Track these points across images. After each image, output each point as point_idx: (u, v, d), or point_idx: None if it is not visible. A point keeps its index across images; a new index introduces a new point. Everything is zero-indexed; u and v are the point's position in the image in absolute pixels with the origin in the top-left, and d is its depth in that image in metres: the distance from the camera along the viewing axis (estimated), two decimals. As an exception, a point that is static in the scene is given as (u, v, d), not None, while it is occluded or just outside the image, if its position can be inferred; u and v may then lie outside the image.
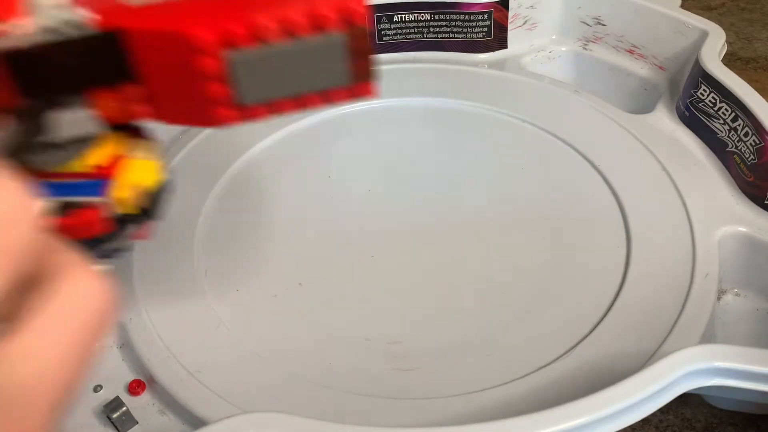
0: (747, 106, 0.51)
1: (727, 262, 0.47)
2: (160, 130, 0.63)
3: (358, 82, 0.30)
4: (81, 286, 0.17)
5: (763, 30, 0.79)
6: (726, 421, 0.42)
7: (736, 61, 0.74)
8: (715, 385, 0.34)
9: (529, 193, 0.55)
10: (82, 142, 0.30)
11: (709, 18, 0.60)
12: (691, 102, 0.56)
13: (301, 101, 0.31)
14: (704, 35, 0.58)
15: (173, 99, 0.30)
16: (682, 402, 0.34)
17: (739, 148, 0.52)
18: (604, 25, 0.66)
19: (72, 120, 0.28)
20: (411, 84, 0.65)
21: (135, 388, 0.42)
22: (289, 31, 0.28)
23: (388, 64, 0.67)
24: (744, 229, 0.48)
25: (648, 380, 0.33)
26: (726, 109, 0.53)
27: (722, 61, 0.56)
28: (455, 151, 0.59)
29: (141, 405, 0.41)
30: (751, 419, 0.42)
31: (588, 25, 0.67)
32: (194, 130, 0.61)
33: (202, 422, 0.39)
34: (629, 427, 0.34)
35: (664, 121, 0.59)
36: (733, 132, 0.52)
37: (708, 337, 0.43)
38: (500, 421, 0.33)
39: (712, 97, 0.54)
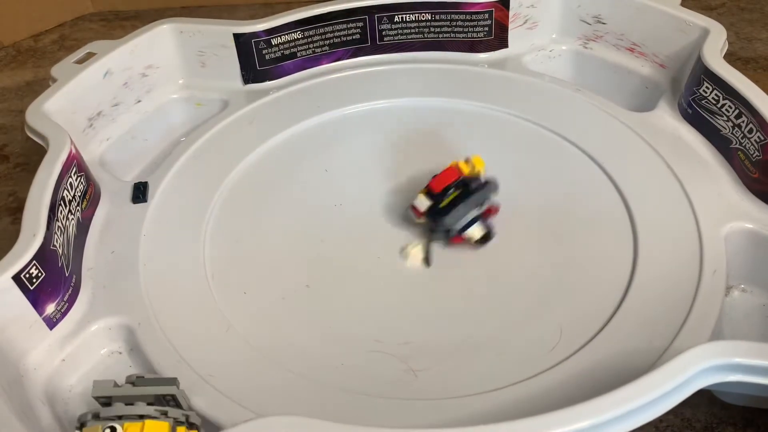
0: (751, 103, 0.51)
1: (733, 258, 0.48)
2: (162, 132, 0.64)
3: None
4: None
5: (763, 30, 0.80)
6: (725, 420, 0.43)
7: (737, 61, 0.75)
8: (731, 382, 0.34)
9: (533, 192, 0.55)
10: None
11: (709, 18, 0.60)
12: (693, 99, 0.56)
13: None
14: (705, 33, 0.59)
15: None
16: (682, 402, 0.34)
17: (743, 144, 0.52)
18: (604, 23, 0.66)
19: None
20: (413, 84, 0.65)
21: None
22: None
23: (389, 64, 0.67)
24: (750, 225, 0.48)
25: (666, 377, 0.33)
26: (729, 106, 0.53)
27: (722, 60, 0.56)
28: (458, 151, 0.59)
29: (152, 410, 0.41)
30: (749, 418, 0.43)
31: (588, 23, 0.67)
32: (196, 132, 0.60)
33: (215, 426, 0.39)
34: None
35: (666, 119, 0.59)
36: (737, 129, 0.53)
37: (717, 333, 0.43)
38: (513, 421, 0.33)
39: (715, 95, 0.54)
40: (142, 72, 0.63)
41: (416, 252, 0.49)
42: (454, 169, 0.49)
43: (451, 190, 0.49)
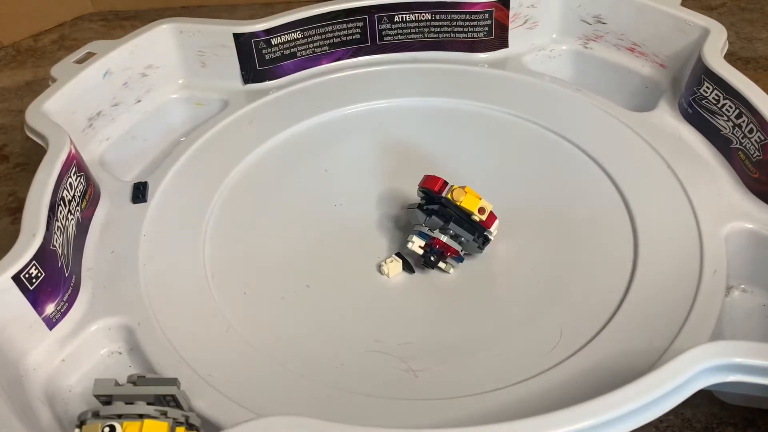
0: (751, 103, 0.51)
1: (734, 258, 0.48)
2: (162, 132, 0.64)
3: None
4: None
5: (763, 30, 0.80)
6: (726, 421, 0.43)
7: (737, 61, 0.75)
8: (731, 382, 0.34)
9: (533, 192, 0.55)
10: None
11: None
12: (694, 99, 0.56)
13: None
14: (705, 33, 0.59)
15: None
16: (682, 402, 0.34)
17: (743, 144, 0.52)
18: (604, 23, 0.66)
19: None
20: (412, 84, 0.65)
21: None
22: None
23: (389, 64, 0.67)
24: (750, 225, 0.48)
25: (666, 377, 0.33)
26: (730, 106, 0.53)
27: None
28: (458, 151, 0.59)
29: (152, 410, 0.41)
30: (750, 419, 0.43)
31: (588, 23, 0.67)
32: (196, 132, 0.60)
33: (215, 427, 0.39)
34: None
35: (666, 119, 0.59)
36: (737, 129, 0.53)
37: (717, 333, 0.43)
38: (513, 421, 0.33)
39: (716, 94, 0.54)
40: (142, 72, 0.63)
41: (394, 265, 0.49)
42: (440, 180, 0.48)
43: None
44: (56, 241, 0.45)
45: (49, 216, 0.44)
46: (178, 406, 0.37)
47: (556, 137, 0.59)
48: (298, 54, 0.66)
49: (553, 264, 0.49)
